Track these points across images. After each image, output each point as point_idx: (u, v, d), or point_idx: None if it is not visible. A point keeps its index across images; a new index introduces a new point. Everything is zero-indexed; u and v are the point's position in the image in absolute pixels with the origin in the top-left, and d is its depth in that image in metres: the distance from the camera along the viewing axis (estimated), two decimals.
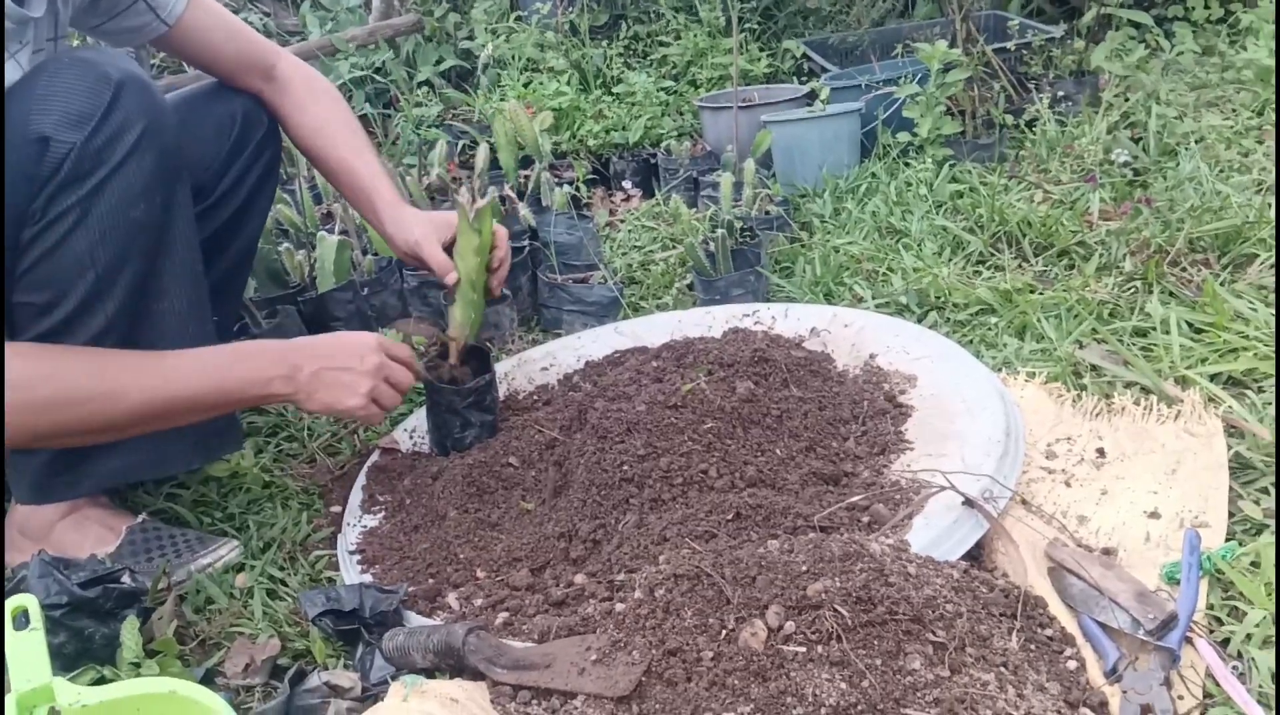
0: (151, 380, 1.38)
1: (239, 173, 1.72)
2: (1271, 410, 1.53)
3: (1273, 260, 1.93)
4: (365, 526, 1.61)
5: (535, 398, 1.89)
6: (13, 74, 1.38)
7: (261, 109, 1.75)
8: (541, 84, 3.51)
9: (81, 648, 1.29)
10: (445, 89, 3.86)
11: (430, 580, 1.43)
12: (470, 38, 4.01)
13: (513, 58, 3.73)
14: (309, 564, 1.56)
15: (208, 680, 1.28)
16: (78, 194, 1.36)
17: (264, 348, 1.53)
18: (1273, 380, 1.60)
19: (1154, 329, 1.80)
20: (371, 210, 1.77)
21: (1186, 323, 1.79)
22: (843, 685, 1.04)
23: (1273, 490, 1.38)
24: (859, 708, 1.03)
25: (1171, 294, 1.92)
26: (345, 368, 1.49)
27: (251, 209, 1.78)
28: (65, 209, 1.36)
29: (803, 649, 1.08)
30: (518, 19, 3.94)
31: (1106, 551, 1.33)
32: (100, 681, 1.25)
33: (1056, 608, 1.21)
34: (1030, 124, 2.84)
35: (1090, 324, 1.86)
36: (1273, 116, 2.60)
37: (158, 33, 1.61)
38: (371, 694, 1.22)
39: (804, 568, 1.15)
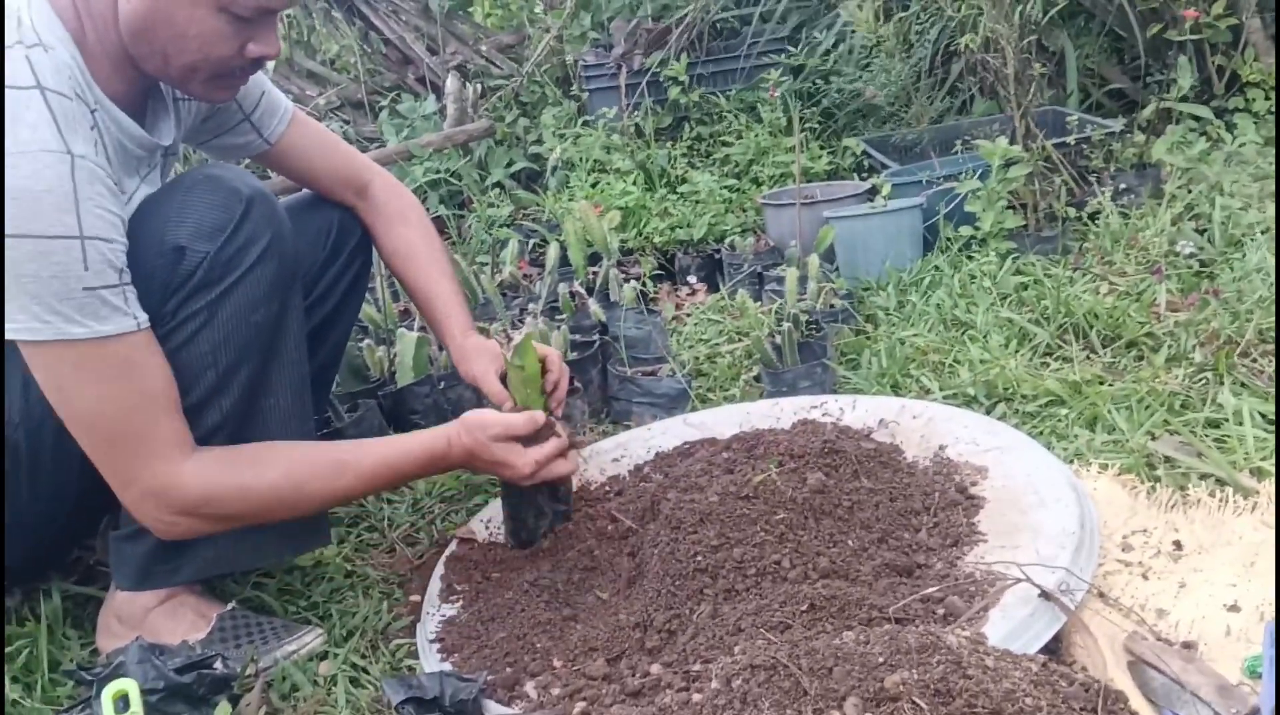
0: (338, 487, 1.56)
1: (333, 278, 1.83)
2: None
3: None
4: (444, 615, 1.64)
5: (607, 489, 1.93)
6: (146, 192, 1.52)
7: (355, 220, 1.87)
8: (608, 184, 3.63)
9: None
10: (516, 190, 4.01)
11: (508, 669, 1.45)
12: (539, 142, 4.16)
13: (580, 159, 3.86)
14: (390, 652, 1.60)
15: None
16: (207, 298, 1.46)
17: (442, 457, 1.62)
18: None
19: (1227, 420, 1.80)
20: (443, 337, 1.89)
21: (1260, 413, 1.78)
22: None
23: None
24: None
25: (1243, 385, 1.91)
26: (510, 455, 1.62)
27: (343, 312, 1.88)
28: (194, 312, 1.46)
29: None
30: (584, 123, 4.10)
31: (1187, 645, 1.31)
32: None
33: (1138, 702, 1.20)
34: (1093, 217, 2.87)
35: (1162, 415, 1.85)
36: None
37: (260, 150, 1.73)
38: None
39: (880, 659, 1.16)
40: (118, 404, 1.37)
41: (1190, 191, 2.78)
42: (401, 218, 1.89)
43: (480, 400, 2.35)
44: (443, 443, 1.60)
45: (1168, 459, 1.74)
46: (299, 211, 1.82)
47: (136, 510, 1.46)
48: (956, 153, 3.26)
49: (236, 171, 1.56)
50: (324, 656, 1.59)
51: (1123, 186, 2.95)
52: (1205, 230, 2.62)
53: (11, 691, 1.50)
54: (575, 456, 1.67)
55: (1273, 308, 2.10)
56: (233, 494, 1.47)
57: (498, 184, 4.04)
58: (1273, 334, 2.05)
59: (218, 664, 1.40)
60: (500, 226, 3.64)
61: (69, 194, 1.29)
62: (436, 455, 1.60)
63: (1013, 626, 1.30)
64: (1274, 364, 1.95)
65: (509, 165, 4.11)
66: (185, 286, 1.45)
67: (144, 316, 1.38)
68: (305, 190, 1.89)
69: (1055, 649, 1.34)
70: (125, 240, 1.38)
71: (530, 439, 1.63)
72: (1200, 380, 1.96)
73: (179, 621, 1.60)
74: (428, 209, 3.96)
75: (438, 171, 3.97)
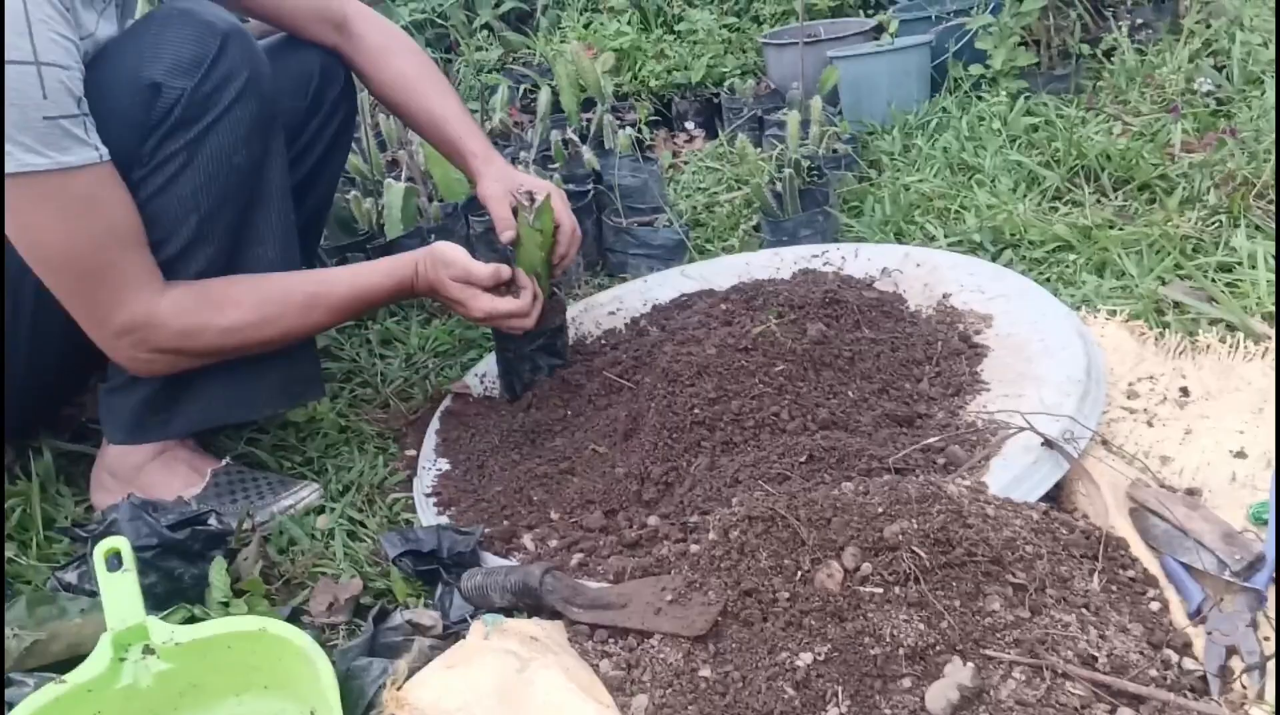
0: (312, 314, 1.53)
1: (316, 128, 1.74)
2: None
3: None
4: (440, 470, 1.63)
5: (604, 342, 1.89)
6: (107, 29, 1.43)
7: (338, 64, 1.76)
8: (602, 24, 3.47)
9: (172, 588, 1.33)
10: (505, 32, 3.84)
11: (505, 522, 1.44)
12: None
13: None
14: (387, 506, 1.60)
15: (293, 619, 1.31)
16: (186, 138, 1.40)
17: (408, 285, 1.60)
18: None
19: (1240, 264, 1.75)
20: (463, 157, 1.80)
21: (1274, 257, 1.73)
22: (921, 626, 1.04)
23: None
24: (937, 648, 1.02)
25: (1258, 228, 1.85)
26: (466, 296, 1.59)
27: (328, 164, 1.81)
28: (173, 152, 1.41)
29: (880, 590, 1.08)
30: None
31: (1191, 492, 1.30)
32: (191, 620, 1.29)
33: (1139, 549, 1.19)
34: (1108, 54, 2.74)
35: (1173, 260, 1.80)
36: None
37: None
38: (452, 632, 1.24)
39: (880, 509, 1.15)
40: (85, 239, 1.32)
41: (1209, 26, 2.66)
42: (387, 49, 1.78)
43: (472, 250, 2.30)
44: (409, 271, 1.58)
45: (1177, 304, 1.70)
46: (277, 56, 1.72)
47: (112, 349, 1.43)
48: None
49: (210, 6, 1.48)
50: (321, 511, 1.59)
51: (1139, 21, 2.82)
52: (1224, 67, 2.51)
53: (7, 549, 1.50)
54: (532, 317, 1.63)
55: None
56: (209, 327, 1.44)
57: (486, 25, 3.86)
58: None
59: (212, 520, 1.39)
60: (489, 71, 3.50)
61: (20, 14, 1.21)
62: (404, 285, 1.58)
63: (1014, 475, 1.28)
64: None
65: (497, 5, 3.92)
66: (163, 125, 1.39)
67: (105, 149, 1.32)
68: (282, 34, 1.78)
69: (1057, 497, 1.32)
70: (82, 68, 1.31)
71: (496, 288, 1.60)
72: (1214, 223, 1.90)
73: (173, 476, 1.59)
74: None
75: (423, 11, 3.80)
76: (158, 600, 1.31)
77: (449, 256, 1.57)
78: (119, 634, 1.14)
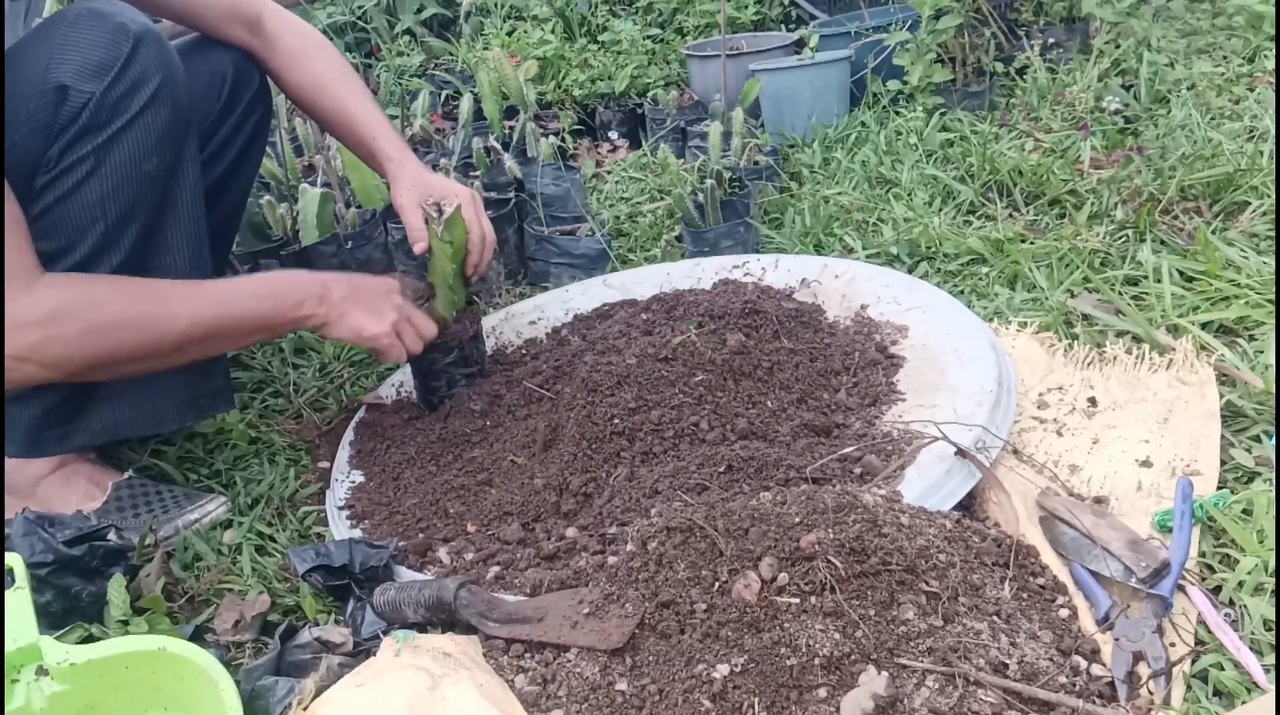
0: (197, 303, 1.40)
1: (230, 130, 1.69)
2: (1262, 357, 1.52)
3: (1265, 207, 1.91)
4: (354, 482, 1.59)
5: (524, 352, 1.87)
6: (9, 27, 1.38)
7: (252, 65, 1.71)
8: (525, 32, 3.45)
9: (68, 606, 1.28)
10: (427, 38, 3.80)
11: (420, 535, 1.42)
12: None
13: (496, 5, 3.67)
14: (297, 520, 1.55)
15: (197, 637, 1.27)
16: (94, 143, 1.36)
17: (297, 274, 1.57)
18: (1263, 328, 1.60)
19: (1146, 278, 1.80)
20: (378, 160, 1.75)
21: (1178, 271, 1.78)
22: (837, 635, 1.04)
23: (1264, 438, 1.38)
24: (853, 658, 1.02)
25: (1163, 242, 1.91)
26: (374, 297, 1.54)
27: (242, 166, 1.76)
28: (80, 157, 1.36)
29: (796, 600, 1.07)
30: None
31: (1098, 500, 1.33)
32: (88, 640, 1.24)
33: (1048, 557, 1.21)
34: (1021, 72, 2.81)
35: (1082, 273, 1.85)
36: (1265, 63, 2.58)
37: None
38: (363, 649, 1.21)
39: (797, 519, 1.15)
40: None
41: (1118, 46, 2.74)
42: (302, 50, 1.73)
43: (390, 258, 2.27)
44: (309, 272, 1.55)
45: (1086, 317, 1.74)
46: (190, 56, 1.67)
47: None
48: (887, 2, 3.16)
49: (122, 7, 1.43)
50: (228, 525, 1.54)
51: (1051, 41, 2.89)
52: (1131, 86, 2.58)
53: None
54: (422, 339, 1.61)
55: (1194, 164, 2.08)
56: (87, 305, 1.31)
57: (408, 31, 3.81)
58: (1194, 191, 2.04)
59: (111, 535, 1.34)
60: (411, 77, 3.46)
61: None
62: (301, 276, 1.53)
63: (928, 484, 1.29)
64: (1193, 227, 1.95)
65: (419, 11, 3.87)
66: (70, 129, 1.35)
67: None
68: (194, 34, 1.73)
69: (970, 506, 1.34)
70: None
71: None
72: (1121, 238, 1.95)
73: (72, 491, 1.53)
74: None
75: (344, 14, 3.73)
76: (53, 619, 1.26)
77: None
78: (11, 655, 1.08)
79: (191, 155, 1.50)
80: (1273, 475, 1.30)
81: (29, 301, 1.28)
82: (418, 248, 1.66)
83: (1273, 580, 1.14)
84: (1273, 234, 1.82)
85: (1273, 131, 2.15)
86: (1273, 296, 1.64)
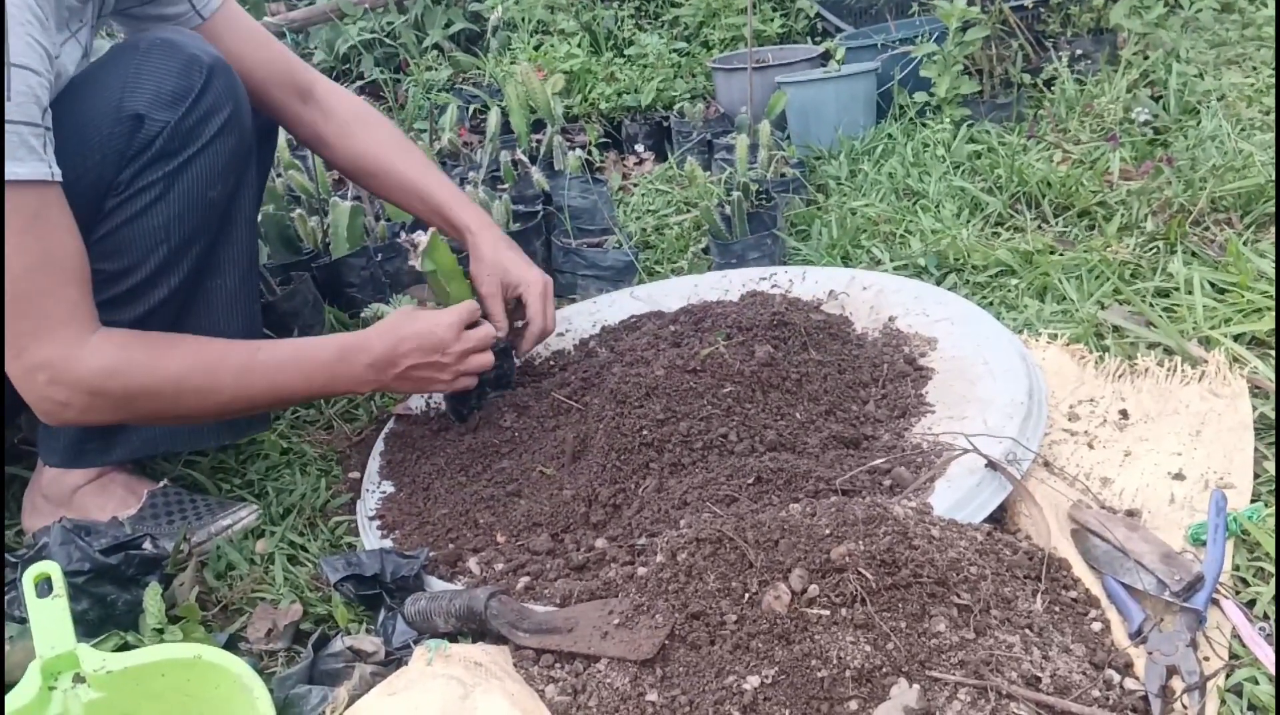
0: (249, 378, 1.41)
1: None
2: None
3: None
4: (384, 492, 1.60)
5: (552, 363, 1.88)
6: (73, 52, 1.41)
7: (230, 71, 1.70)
8: (552, 46, 3.47)
9: (105, 614, 1.29)
10: (455, 53, 3.83)
11: (450, 545, 1.42)
12: (479, 0, 3.96)
13: (523, 20, 3.69)
14: (329, 530, 1.57)
15: (231, 645, 1.28)
16: (164, 169, 1.40)
17: (358, 349, 1.49)
18: None
19: (1177, 289, 1.78)
20: (453, 233, 1.73)
21: (1210, 283, 1.77)
22: (867, 648, 1.04)
23: None
24: (884, 670, 1.02)
25: (1194, 254, 1.90)
26: (432, 363, 1.52)
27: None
28: (150, 182, 1.40)
29: (827, 612, 1.07)
30: None
31: (1131, 513, 1.32)
32: (124, 648, 1.25)
33: (1081, 570, 1.21)
34: (1049, 83, 2.80)
35: (1112, 285, 1.84)
36: None
37: (191, 25, 1.58)
38: (395, 658, 1.22)
39: (827, 531, 1.15)
40: (18, 259, 1.23)
41: (1147, 58, 2.73)
42: (358, 120, 1.73)
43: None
44: (359, 341, 1.50)
45: (1116, 328, 1.73)
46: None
47: (23, 385, 1.30)
48: (913, 15, 3.16)
49: (193, 37, 1.47)
50: (260, 534, 1.55)
51: (1079, 52, 2.88)
52: (1160, 98, 2.57)
53: None
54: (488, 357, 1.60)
55: (1225, 175, 2.07)
56: (138, 369, 1.32)
57: (436, 46, 3.85)
58: (1225, 202, 2.03)
59: (146, 544, 1.35)
60: (439, 91, 3.49)
61: None
62: (350, 350, 1.48)
63: (959, 497, 1.29)
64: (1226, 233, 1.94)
65: (448, 26, 3.91)
66: (143, 156, 1.39)
67: (59, 170, 1.26)
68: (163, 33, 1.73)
69: (1000, 518, 1.34)
70: (51, 79, 1.27)
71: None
72: (1151, 249, 1.94)
73: (108, 499, 1.55)
74: (362, 73, 3.79)
75: (372, 31, 3.77)
76: (90, 627, 1.27)
77: (409, 327, 1.51)
78: (49, 662, 1.10)
79: (251, 180, 1.56)
80: None
81: (82, 353, 1.30)
82: (499, 336, 1.65)
83: None
84: None
85: None
86: None
